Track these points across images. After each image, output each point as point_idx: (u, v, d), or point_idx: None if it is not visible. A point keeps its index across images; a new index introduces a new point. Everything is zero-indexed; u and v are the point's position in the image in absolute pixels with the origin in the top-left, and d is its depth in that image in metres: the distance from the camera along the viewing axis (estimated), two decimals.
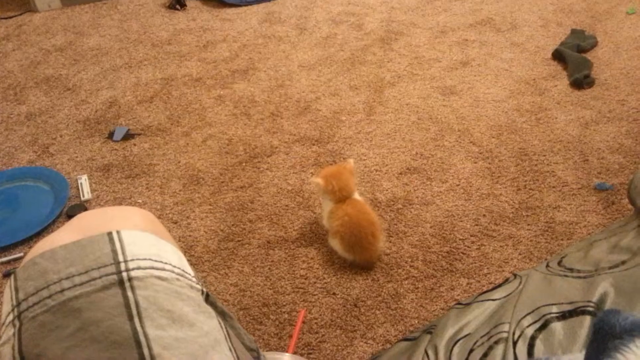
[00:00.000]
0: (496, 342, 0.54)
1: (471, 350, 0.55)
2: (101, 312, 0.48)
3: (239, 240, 1.57)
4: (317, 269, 1.47)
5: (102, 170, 1.83)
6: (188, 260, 1.49)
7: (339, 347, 1.29)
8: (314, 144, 1.89)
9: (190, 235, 1.59)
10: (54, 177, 1.78)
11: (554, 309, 0.56)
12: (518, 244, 1.50)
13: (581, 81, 2.08)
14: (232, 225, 1.61)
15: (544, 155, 1.79)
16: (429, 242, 1.52)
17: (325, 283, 1.44)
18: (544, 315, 0.56)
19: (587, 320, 0.54)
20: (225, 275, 1.47)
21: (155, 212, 1.67)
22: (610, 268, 0.59)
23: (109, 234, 0.55)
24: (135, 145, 1.94)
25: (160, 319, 0.49)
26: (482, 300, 0.62)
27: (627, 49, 2.32)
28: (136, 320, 0.48)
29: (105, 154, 1.91)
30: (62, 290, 0.48)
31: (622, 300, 0.53)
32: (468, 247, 1.50)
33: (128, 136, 1.97)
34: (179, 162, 1.85)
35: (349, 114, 2.04)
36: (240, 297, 1.41)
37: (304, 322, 1.33)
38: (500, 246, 1.50)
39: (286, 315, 1.36)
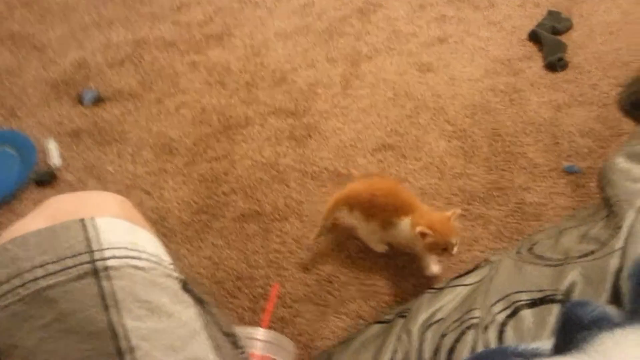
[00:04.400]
0: (468, 328, 0.56)
1: (443, 335, 0.56)
2: (77, 302, 0.47)
3: (212, 213, 1.55)
4: (291, 243, 1.48)
5: (72, 136, 1.78)
6: (161, 232, 1.48)
7: (312, 322, 1.31)
8: (289, 117, 1.87)
9: (163, 207, 1.57)
10: (20, 140, 1.72)
11: (524, 296, 0.58)
12: (488, 223, 1.53)
13: (555, 64, 2.11)
14: (206, 197, 1.60)
15: (516, 137, 1.82)
16: None
17: (300, 258, 1.45)
18: (514, 303, 0.57)
19: (555, 308, 0.56)
20: (199, 248, 1.46)
21: (127, 181, 1.64)
22: (579, 257, 0.61)
23: (82, 220, 0.54)
24: (105, 110, 1.88)
25: (137, 310, 0.49)
26: (454, 286, 0.64)
27: (601, 33, 2.36)
28: (112, 311, 0.47)
29: (74, 118, 1.85)
30: (35, 279, 0.47)
31: (590, 290, 0.56)
32: None
33: (98, 100, 1.91)
34: (151, 130, 1.81)
35: (325, 87, 2.02)
36: (214, 271, 1.41)
37: (277, 297, 1.35)
38: (472, 225, 1.53)
39: (260, 290, 1.37)
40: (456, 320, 0.57)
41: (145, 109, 1.89)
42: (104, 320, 0.47)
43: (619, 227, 0.59)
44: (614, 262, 0.56)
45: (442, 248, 1.24)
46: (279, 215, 1.55)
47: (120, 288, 0.48)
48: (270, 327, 1.26)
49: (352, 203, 1.37)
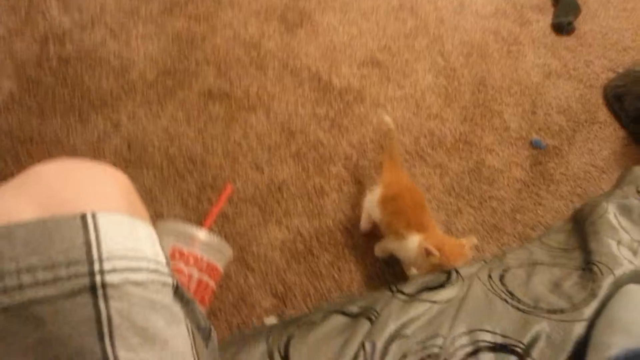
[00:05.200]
0: (429, 356, 0.58)
1: (404, 355, 0.58)
2: (68, 326, 0.41)
3: (179, 79, 1.44)
4: (253, 139, 1.43)
5: None
6: (120, 85, 1.37)
7: (253, 226, 1.31)
8: None
9: (127, 56, 1.43)
10: None
11: (488, 337, 0.60)
12: (444, 175, 1.55)
13: (563, 26, 2.03)
14: (176, 59, 1.47)
15: (500, 93, 1.79)
16: (367, 146, 1.52)
17: (257, 157, 1.41)
18: (477, 341, 0.60)
19: (512, 359, 0.59)
20: (157, 115, 1.38)
21: (93, 9, 1.46)
22: (548, 311, 0.63)
23: (83, 217, 0.45)
24: None
25: (132, 338, 0.43)
26: (424, 300, 0.65)
27: (616, 6, 2.27)
28: (107, 340, 0.41)
29: None
30: (20, 287, 0.40)
31: (550, 351, 0.59)
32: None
33: None
34: None
35: None
36: (168, 145, 1.35)
37: (228, 199, 1.32)
38: (429, 172, 1.54)
39: (210, 179, 1.34)
40: (420, 342, 0.59)
41: None
42: (97, 352, 0.41)
43: (594, 295, 0.62)
44: (578, 330, 0.59)
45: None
46: (247, 104, 1.47)
47: (117, 312, 0.43)
48: (210, 224, 1.26)
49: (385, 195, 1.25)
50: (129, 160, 1.30)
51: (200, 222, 1.28)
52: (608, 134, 1.82)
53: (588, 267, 0.67)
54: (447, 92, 1.72)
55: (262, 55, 1.56)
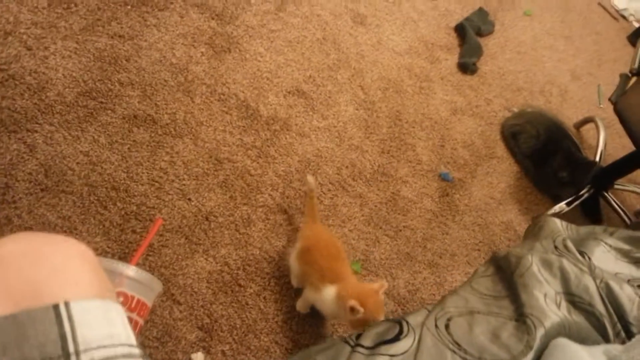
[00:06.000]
0: None
1: None
2: None
3: (101, 102, 1.38)
4: (180, 166, 1.40)
5: None
6: (36, 105, 1.28)
7: (180, 257, 1.29)
8: (213, 18, 1.70)
9: (44, 73, 1.34)
10: None
11: None
12: (364, 205, 1.63)
13: (468, 66, 2.21)
14: (98, 80, 1.41)
15: (413, 127, 1.91)
16: (293, 175, 1.55)
17: (184, 185, 1.38)
18: None
19: None
20: (77, 139, 1.31)
21: (6, 20, 1.35)
22: None
23: (56, 308, 0.42)
24: None
25: None
26: (383, 354, 0.68)
27: (511, 49, 2.52)
28: None
29: None
30: None
31: None
32: (324, 193, 1.58)
33: None
34: None
35: None
36: (89, 171, 1.28)
37: (156, 234, 1.28)
38: (350, 202, 1.61)
39: (134, 207, 1.30)
40: None
41: None
42: None
43: (530, 347, 0.70)
44: None
45: (365, 324, 1.10)
46: (174, 130, 1.44)
47: None
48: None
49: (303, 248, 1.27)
50: (46, 187, 1.22)
51: (123, 253, 1.23)
52: (504, 168, 2.01)
53: (522, 319, 0.75)
54: (366, 124, 1.80)
55: (189, 80, 1.54)
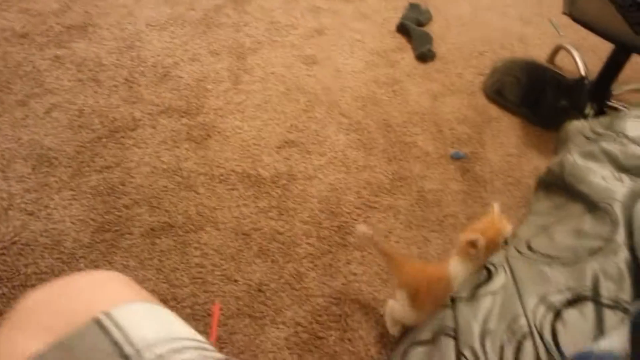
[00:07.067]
0: (523, 337, 0.59)
1: (501, 347, 0.58)
2: None
3: (116, 230, 1.39)
4: (213, 255, 1.39)
5: None
6: (58, 258, 1.29)
7: (251, 337, 1.25)
8: (182, 116, 1.74)
9: (54, 228, 1.36)
10: None
11: (558, 297, 0.62)
12: (398, 214, 1.60)
13: (426, 55, 2.26)
14: (105, 212, 1.42)
15: (405, 127, 1.92)
16: (319, 217, 1.54)
17: (224, 270, 1.37)
18: (553, 304, 0.61)
19: (589, 304, 0.61)
20: None
21: (2, 202, 1.38)
22: (589, 254, 0.66)
23: (98, 321, 0.41)
24: None
25: None
26: (483, 295, 0.66)
27: (455, 25, 2.58)
28: None
29: None
30: None
31: (612, 285, 0.62)
32: (355, 219, 1.56)
33: None
34: (20, 138, 1.55)
35: (214, 82, 1.91)
36: None
37: (219, 317, 1.26)
38: (384, 217, 1.59)
39: (189, 310, 1.27)
40: (507, 329, 0.59)
41: (7, 114, 1.60)
42: None
43: (616, 223, 0.67)
44: (623, 255, 0.63)
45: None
46: (193, 225, 1.44)
47: None
48: None
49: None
50: None
51: None
52: (506, 124, 2.01)
53: (593, 207, 0.73)
54: (362, 143, 1.81)
55: (186, 177, 1.55)
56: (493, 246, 0.99)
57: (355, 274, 1.42)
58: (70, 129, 1.61)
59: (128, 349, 0.40)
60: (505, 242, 0.92)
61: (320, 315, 1.32)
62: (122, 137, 1.63)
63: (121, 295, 0.48)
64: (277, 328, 1.28)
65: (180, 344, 0.44)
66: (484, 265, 0.72)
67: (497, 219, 1.06)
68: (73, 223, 1.38)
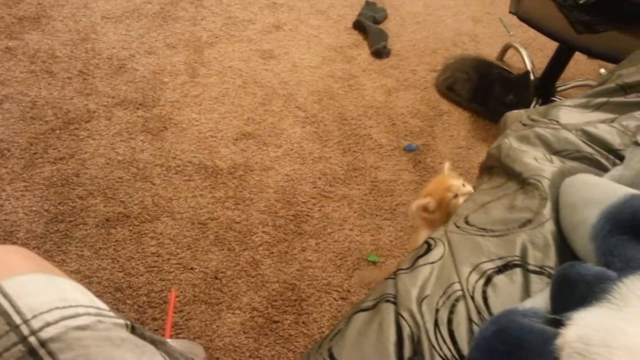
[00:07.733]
0: (456, 300, 0.64)
1: (437, 310, 0.63)
2: None
3: (71, 221, 1.39)
4: (169, 244, 1.41)
5: None
6: None
7: (207, 322, 1.28)
8: (138, 108, 1.74)
9: (6, 220, 1.35)
10: None
11: (490, 265, 0.68)
12: (352, 203, 1.65)
13: (381, 51, 2.32)
14: (59, 203, 1.42)
15: (360, 120, 1.98)
16: (275, 207, 1.57)
17: (181, 258, 1.38)
18: (485, 272, 0.67)
19: (517, 271, 0.67)
20: (63, 262, 1.30)
21: None
22: (519, 227, 0.72)
23: None
24: None
25: None
26: (423, 264, 0.70)
27: (410, 23, 2.66)
28: None
29: None
30: None
31: (539, 253, 0.67)
32: (310, 209, 1.60)
33: None
34: None
35: (171, 75, 1.92)
36: (87, 285, 1.27)
37: (175, 303, 1.27)
38: (338, 206, 1.63)
39: (144, 298, 1.29)
40: (442, 295, 0.64)
41: None
42: None
43: (544, 198, 0.73)
44: (549, 228, 0.69)
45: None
46: (149, 215, 1.45)
47: None
48: (171, 336, 1.20)
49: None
50: None
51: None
52: (457, 118, 2.09)
53: (526, 183, 0.79)
54: (318, 135, 1.85)
55: (142, 168, 1.56)
56: (447, 201, 1.03)
57: (309, 261, 1.46)
58: (22, 120, 1.60)
59: (16, 318, 0.41)
60: (456, 196, 0.99)
61: (275, 301, 1.35)
62: (76, 128, 1.62)
63: (17, 267, 0.48)
64: (233, 313, 1.30)
65: (73, 311, 0.44)
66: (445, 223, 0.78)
67: (444, 177, 1.09)
68: (26, 214, 1.37)
